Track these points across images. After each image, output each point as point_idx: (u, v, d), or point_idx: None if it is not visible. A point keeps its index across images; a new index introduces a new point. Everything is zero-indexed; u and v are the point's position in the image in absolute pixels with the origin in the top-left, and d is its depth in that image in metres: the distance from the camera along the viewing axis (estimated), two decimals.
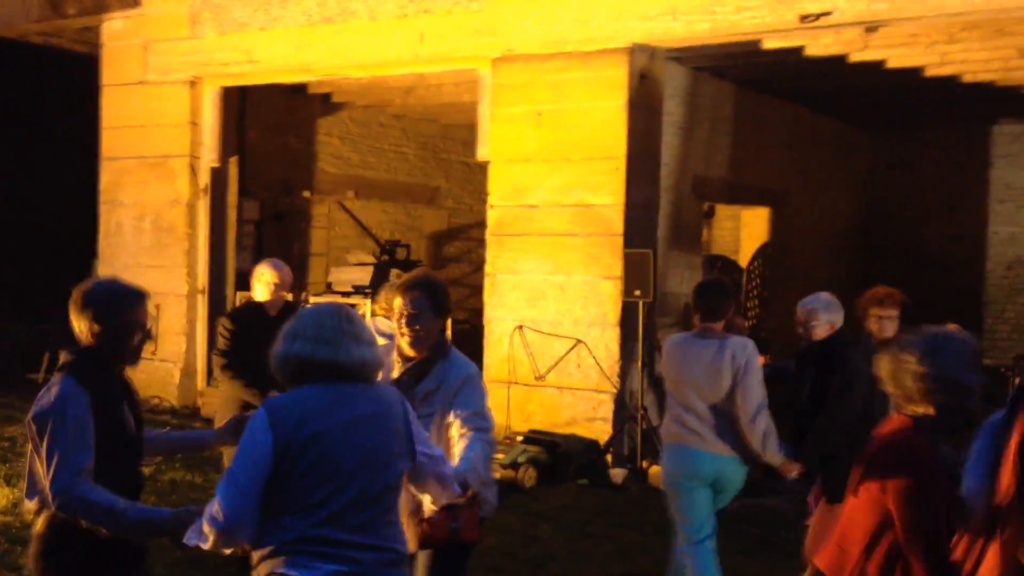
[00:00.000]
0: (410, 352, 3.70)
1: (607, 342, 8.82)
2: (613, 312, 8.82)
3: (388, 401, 3.00)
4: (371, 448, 2.88)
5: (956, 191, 13.81)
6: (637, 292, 8.55)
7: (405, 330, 3.67)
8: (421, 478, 3.11)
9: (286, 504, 2.82)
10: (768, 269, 12.24)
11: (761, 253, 12.38)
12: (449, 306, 3.80)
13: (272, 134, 12.32)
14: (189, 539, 2.86)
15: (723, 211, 13.90)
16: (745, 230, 12.93)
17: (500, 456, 7.93)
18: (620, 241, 8.80)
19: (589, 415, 8.75)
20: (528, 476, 7.96)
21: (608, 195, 8.84)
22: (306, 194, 12.81)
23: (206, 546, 2.84)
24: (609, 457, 8.53)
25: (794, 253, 12.48)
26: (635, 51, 8.70)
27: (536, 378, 9.02)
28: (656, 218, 9.39)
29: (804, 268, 12.48)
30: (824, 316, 5.05)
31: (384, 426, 2.94)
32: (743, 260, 12.63)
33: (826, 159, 13.31)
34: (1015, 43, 8.74)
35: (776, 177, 12.03)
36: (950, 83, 10.16)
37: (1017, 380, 9.09)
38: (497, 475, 7.84)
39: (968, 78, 10.03)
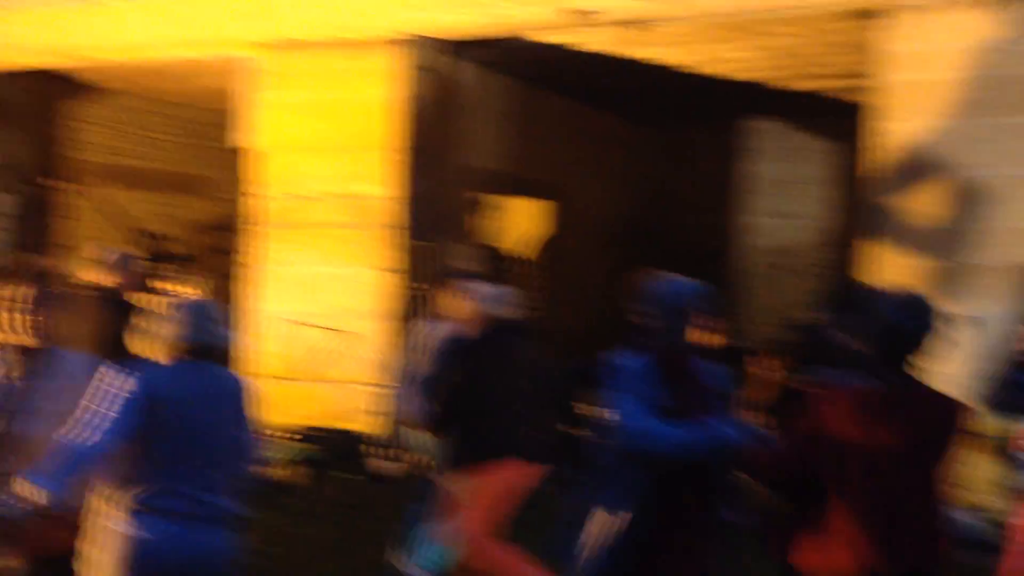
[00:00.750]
0: (30, 342, 3.74)
1: (384, 335, 8.73)
2: (390, 304, 8.74)
3: (234, 381, 3.66)
4: (220, 418, 3.50)
5: (723, 184, 14.47)
6: (416, 284, 8.54)
7: (27, 320, 3.73)
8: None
9: (145, 457, 3.34)
10: (549, 261, 12.45)
11: (542, 246, 12.59)
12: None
13: (20, 122, 11.44)
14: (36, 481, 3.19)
15: (504, 204, 14.03)
16: (526, 223, 13.10)
17: (273, 454, 7.70)
18: (398, 233, 8.75)
19: (366, 409, 8.62)
20: (300, 474, 7.76)
21: (386, 187, 8.77)
22: (59, 185, 11.99)
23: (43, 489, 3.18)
24: (383, 450, 8.44)
25: (573, 245, 12.75)
26: (414, 42, 8.64)
27: (311, 373, 8.81)
28: (435, 210, 9.36)
29: (583, 260, 12.78)
30: (479, 306, 5.24)
31: (230, 402, 3.57)
32: (524, 253, 12.81)
33: (603, 153, 13.66)
34: (776, 44, 9.16)
35: (555, 170, 12.23)
36: (717, 81, 10.60)
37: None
38: (271, 474, 7.64)
39: (734, 76, 10.48)
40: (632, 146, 14.55)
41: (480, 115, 10.39)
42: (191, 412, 3.40)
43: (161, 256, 11.79)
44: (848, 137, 13.37)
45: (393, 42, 8.58)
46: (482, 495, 5.08)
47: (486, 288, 5.33)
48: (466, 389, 5.01)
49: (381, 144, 8.68)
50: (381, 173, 8.73)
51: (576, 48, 9.14)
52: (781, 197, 14.24)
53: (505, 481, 5.05)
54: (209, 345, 3.49)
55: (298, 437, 8.11)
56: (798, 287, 14.20)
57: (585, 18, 7.93)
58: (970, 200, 7.32)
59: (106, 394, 3.34)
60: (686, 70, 10.18)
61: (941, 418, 3.12)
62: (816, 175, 14.05)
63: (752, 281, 14.30)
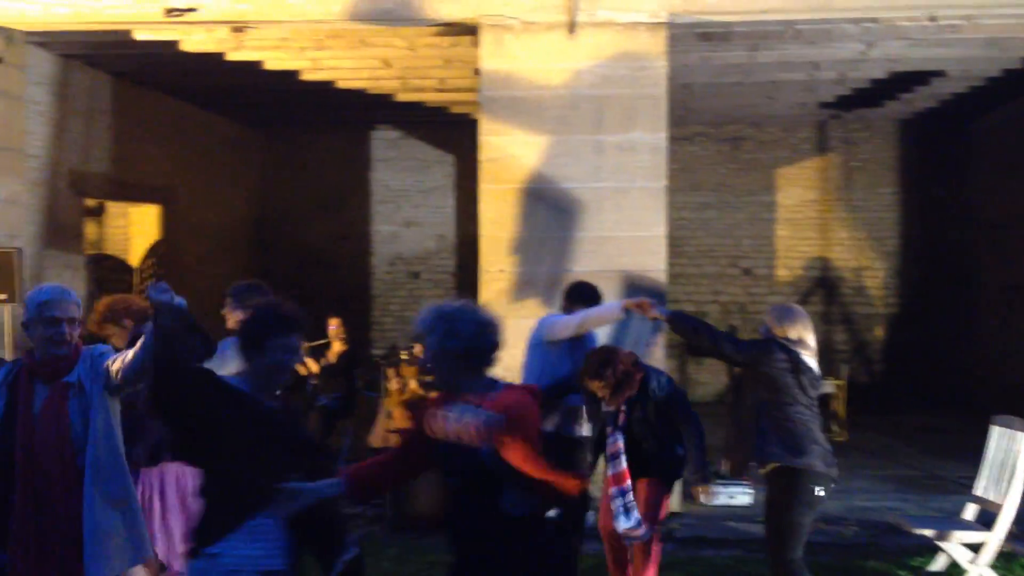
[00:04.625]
0: None
1: None
2: None
3: None
4: None
5: (342, 191, 14.59)
6: (1, 295, 7.87)
7: None
8: None
9: None
10: (161, 267, 11.91)
11: (153, 251, 12.02)
12: None
13: None
14: None
15: (113, 208, 13.27)
16: (135, 227, 12.47)
17: None
18: None
19: None
20: None
21: None
22: None
23: None
24: None
25: (188, 251, 12.29)
26: None
27: None
28: (25, 214, 8.69)
29: (199, 265, 12.35)
30: None
31: None
32: (134, 258, 12.18)
33: (218, 156, 13.28)
34: (378, 54, 9.38)
35: (164, 173, 11.73)
36: (326, 87, 10.64)
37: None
38: None
39: (342, 84, 10.57)
40: (248, 150, 14.28)
41: (77, 114, 9.75)
42: None
43: None
44: (465, 148, 14.00)
45: None
46: None
47: None
48: None
49: None
50: None
51: (178, 47, 8.83)
52: (404, 206, 14.58)
53: None
54: None
55: None
56: (423, 294, 14.63)
57: (180, 16, 7.65)
58: (564, 211, 7.84)
59: None
60: (300, 76, 10.15)
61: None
62: (437, 185, 14.53)
63: (383, 289, 14.54)
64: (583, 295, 5.91)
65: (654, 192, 7.85)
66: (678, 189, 13.82)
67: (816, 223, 14.16)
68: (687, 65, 9.30)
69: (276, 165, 14.60)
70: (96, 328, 5.17)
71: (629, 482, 5.18)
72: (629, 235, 7.81)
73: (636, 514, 5.11)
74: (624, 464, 5.21)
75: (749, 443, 5.03)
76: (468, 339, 3.24)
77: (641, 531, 5.14)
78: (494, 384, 3.30)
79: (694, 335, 5.11)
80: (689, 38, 8.47)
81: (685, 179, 14.03)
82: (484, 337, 3.27)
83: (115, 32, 8.26)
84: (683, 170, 14.01)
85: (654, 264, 7.77)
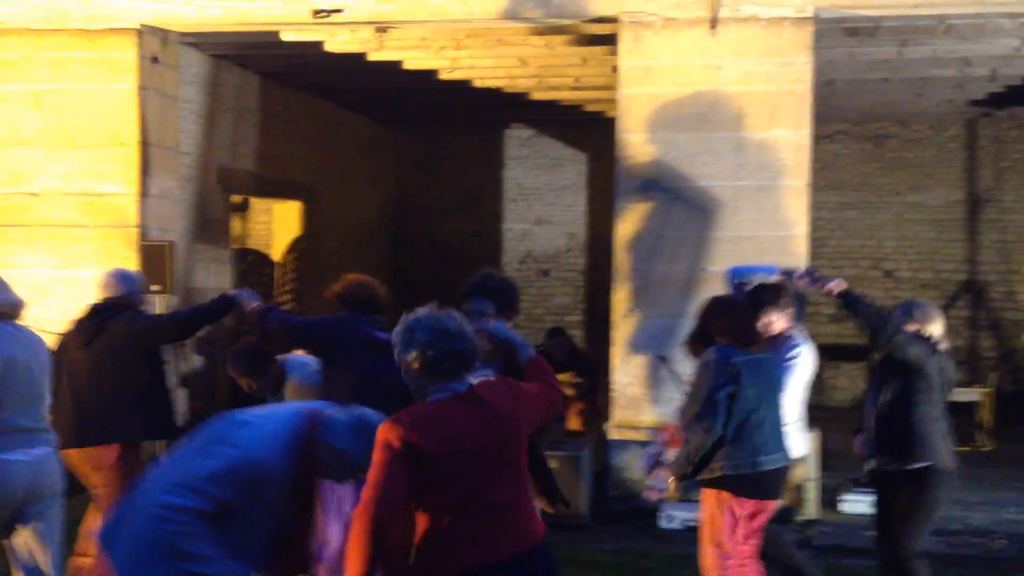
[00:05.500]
0: None
1: None
2: None
3: (37, 339, 4.67)
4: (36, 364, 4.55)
5: (475, 189, 14.72)
6: (155, 287, 8.17)
7: None
8: None
9: None
10: (301, 262, 12.27)
11: (294, 246, 12.39)
12: None
13: None
14: None
15: (258, 204, 13.72)
16: (277, 223, 12.86)
17: None
18: (135, 233, 8.39)
19: None
20: None
21: (120, 184, 8.39)
22: None
23: None
24: None
25: (326, 246, 12.61)
26: (145, 32, 8.29)
27: None
28: (177, 209, 9.05)
29: (337, 261, 12.65)
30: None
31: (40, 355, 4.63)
32: (276, 253, 12.56)
33: (355, 154, 13.59)
34: (515, 52, 9.43)
35: (305, 170, 12.06)
36: (463, 87, 10.75)
37: None
38: None
39: (478, 83, 10.68)
40: (385, 149, 14.56)
41: (225, 112, 10.11)
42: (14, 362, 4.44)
43: None
44: (598, 146, 13.97)
45: (124, 32, 8.21)
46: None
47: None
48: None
49: (108, 139, 8.30)
50: (116, 170, 8.35)
51: (319, 47, 9.06)
52: (536, 204, 14.63)
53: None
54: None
55: None
56: (554, 292, 14.65)
57: (326, 17, 7.85)
58: (702, 209, 7.75)
59: None
60: (438, 76, 10.29)
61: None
62: (569, 183, 14.53)
63: None
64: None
65: (796, 191, 7.68)
66: (817, 188, 13.36)
67: (963, 225, 13.61)
68: (831, 61, 9.06)
69: (411, 163, 14.84)
70: (330, 297, 5.24)
71: (666, 436, 5.16)
72: (769, 235, 7.67)
73: (658, 474, 5.08)
74: (675, 419, 5.20)
75: (893, 440, 4.92)
76: (422, 347, 3.23)
77: (653, 493, 5.11)
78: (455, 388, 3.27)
79: (861, 310, 4.95)
80: (835, 33, 8.26)
81: (825, 178, 13.64)
82: (437, 345, 3.23)
83: (264, 33, 8.54)
84: (823, 169, 13.63)
85: (794, 265, 7.58)
